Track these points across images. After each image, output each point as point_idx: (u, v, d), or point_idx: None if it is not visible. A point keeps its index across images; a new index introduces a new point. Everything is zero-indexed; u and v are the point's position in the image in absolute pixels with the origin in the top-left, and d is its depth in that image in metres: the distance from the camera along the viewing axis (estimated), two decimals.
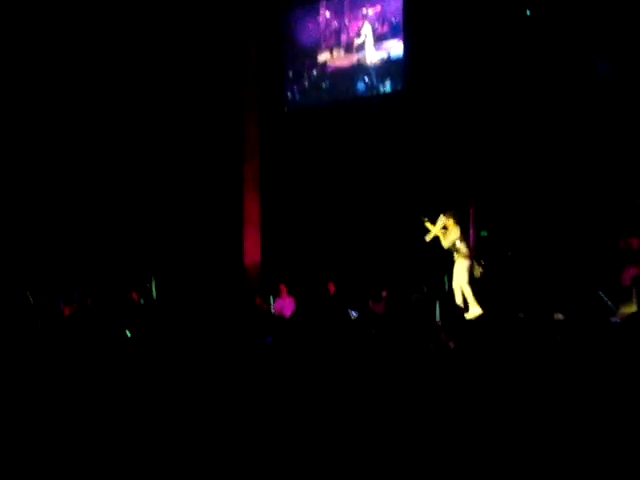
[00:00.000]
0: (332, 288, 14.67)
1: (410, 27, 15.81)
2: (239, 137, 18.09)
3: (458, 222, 12.55)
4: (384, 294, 13.18)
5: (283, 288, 14.97)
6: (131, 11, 17.58)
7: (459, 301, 12.25)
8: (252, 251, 17.86)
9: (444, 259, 12.73)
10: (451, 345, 6.62)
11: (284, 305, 14.45)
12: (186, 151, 18.08)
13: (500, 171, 14.65)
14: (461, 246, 12.42)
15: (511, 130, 14.47)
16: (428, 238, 12.57)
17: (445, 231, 12.50)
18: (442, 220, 12.53)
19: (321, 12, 17.41)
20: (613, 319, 10.04)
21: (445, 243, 12.44)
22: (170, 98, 17.96)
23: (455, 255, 12.47)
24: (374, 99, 16.69)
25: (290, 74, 18.01)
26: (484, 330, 6.46)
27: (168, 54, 17.87)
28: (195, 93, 17.95)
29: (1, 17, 16.96)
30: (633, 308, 11.53)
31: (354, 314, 10.34)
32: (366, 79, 16.70)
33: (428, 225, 12.59)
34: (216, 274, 16.73)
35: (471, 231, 13.74)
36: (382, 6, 16.32)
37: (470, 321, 10.29)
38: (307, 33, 17.64)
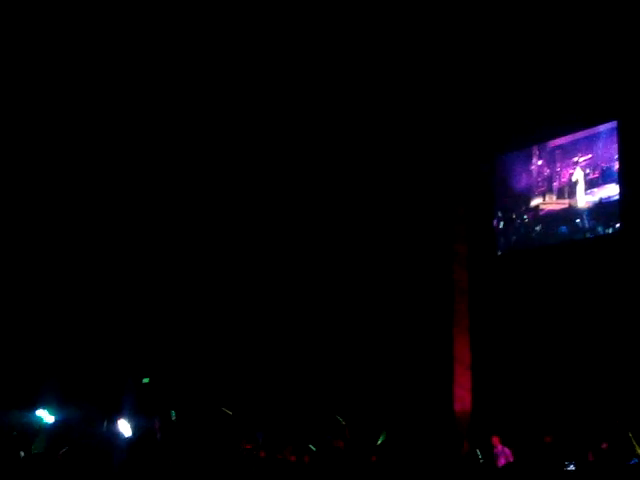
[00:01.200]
0: (548, 440, 14.04)
1: (626, 171, 15.69)
2: (449, 279, 18.12)
3: None
4: (604, 446, 12.52)
5: (496, 440, 14.33)
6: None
7: None
8: (463, 396, 17.53)
9: None
10: None
11: (500, 456, 13.87)
12: (398, 293, 18.27)
13: None
14: None
15: None
16: None
17: None
18: None
19: (533, 159, 17.80)
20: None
21: None
22: (383, 235, 18.37)
23: None
24: (586, 242, 16.53)
25: (500, 218, 18.16)
26: None
27: (381, 194, 18.38)
28: (408, 233, 18.28)
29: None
30: None
31: (572, 467, 9.92)
32: (578, 222, 16.70)
33: None
34: (426, 419, 16.52)
35: None
36: (593, 154, 16.56)
37: None
38: (519, 178, 18.00)
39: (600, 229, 16.31)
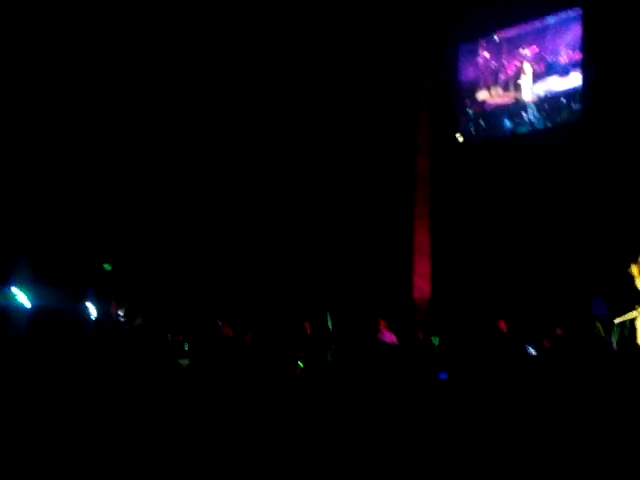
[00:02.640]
0: (504, 326, 14.28)
1: (589, 60, 15.72)
2: (410, 167, 18.07)
3: None
4: (559, 332, 12.74)
5: (382, 323, 14.46)
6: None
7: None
8: (422, 284, 17.70)
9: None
10: None
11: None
12: (357, 180, 18.18)
13: None
14: None
15: None
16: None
17: None
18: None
19: (480, 52, 17.89)
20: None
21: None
22: (344, 127, 18.17)
23: None
24: (535, 134, 16.68)
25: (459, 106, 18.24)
26: None
27: (345, 83, 18.13)
28: (369, 121, 18.11)
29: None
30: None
31: (532, 351, 10.08)
32: (525, 115, 16.86)
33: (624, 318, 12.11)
34: (384, 306, 16.66)
35: None
36: (540, 47, 16.68)
37: None
38: (466, 71, 18.17)
39: (548, 122, 16.53)
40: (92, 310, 12.64)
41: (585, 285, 14.56)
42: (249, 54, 18.37)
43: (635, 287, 11.99)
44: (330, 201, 18.39)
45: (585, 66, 15.87)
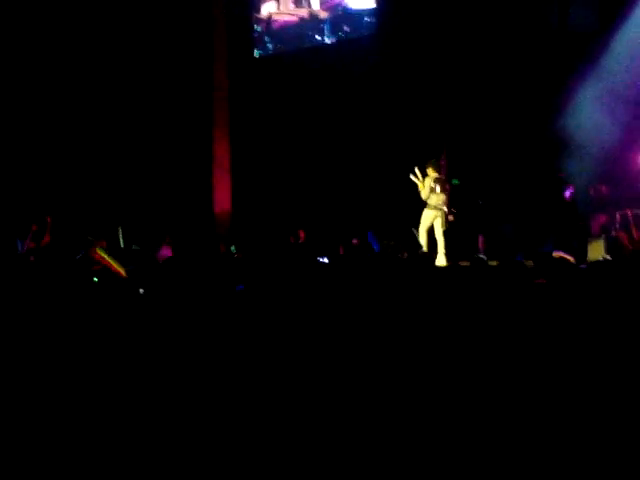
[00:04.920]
0: (302, 235, 14.64)
1: None
2: (209, 83, 17.90)
3: (438, 172, 12.72)
4: (355, 241, 13.16)
5: (167, 238, 14.60)
6: None
7: (424, 247, 12.41)
8: (222, 198, 17.75)
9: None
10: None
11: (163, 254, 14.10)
12: (155, 96, 17.82)
13: (472, 120, 14.64)
14: (436, 196, 12.57)
15: (483, 79, 14.44)
16: (424, 196, 12.65)
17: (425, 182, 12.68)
18: (428, 173, 12.69)
19: None
20: (581, 265, 10.12)
21: (424, 194, 12.61)
22: (139, 44, 17.68)
23: (429, 204, 12.61)
24: (340, 46, 16.79)
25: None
26: (454, 276, 6.47)
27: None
28: (164, 39, 17.68)
29: None
30: (601, 254, 11.60)
31: (325, 260, 10.32)
32: (318, 30, 16.95)
33: (415, 179, 12.69)
34: (185, 220, 16.62)
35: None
36: None
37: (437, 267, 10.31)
38: None
39: (340, 36, 16.70)
40: None
41: (381, 198, 15.06)
42: None
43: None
44: (130, 117, 17.95)
45: None
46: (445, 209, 12.54)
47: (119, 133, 17.82)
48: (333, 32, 16.80)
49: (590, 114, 13.12)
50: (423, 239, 12.65)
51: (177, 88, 17.79)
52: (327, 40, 16.91)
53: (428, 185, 12.63)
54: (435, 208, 12.58)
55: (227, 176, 17.79)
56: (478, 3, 14.35)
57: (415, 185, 12.72)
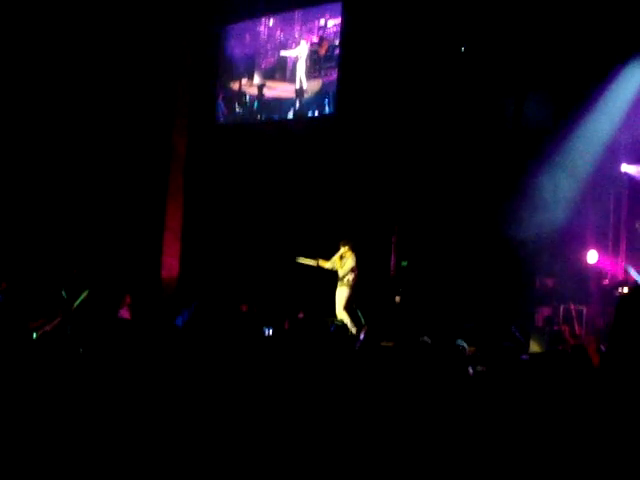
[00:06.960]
0: (244, 308, 14.56)
1: (345, 55, 16.14)
2: (167, 148, 17.95)
3: (354, 251, 13.06)
4: (301, 315, 13.16)
5: (127, 298, 14.59)
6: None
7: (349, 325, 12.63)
8: (171, 263, 17.68)
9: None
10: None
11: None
12: (112, 155, 17.83)
13: (422, 201, 14.82)
14: (350, 276, 12.77)
15: (437, 169, 14.68)
16: (328, 265, 13.20)
17: (342, 260, 13.03)
18: (341, 249, 13.06)
19: (245, 36, 18.01)
20: (523, 356, 10.21)
21: (342, 272, 12.94)
22: (101, 101, 17.74)
23: (340, 282, 13.15)
24: (303, 122, 16.95)
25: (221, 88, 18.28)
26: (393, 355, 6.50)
27: (104, 57, 17.67)
28: (126, 98, 17.76)
29: None
30: (542, 348, 11.71)
31: (269, 331, 10.32)
32: (296, 104, 17.01)
33: (303, 260, 13.51)
34: (133, 283, 16.49)
35: (392, 260, 13.95)
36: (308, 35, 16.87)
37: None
38: (228, 54, 18.22)
39: (316, 112, 16.73)
40: None
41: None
42: None
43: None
44: (85, 179, 17.92)
45: (342, 60, 16.25)
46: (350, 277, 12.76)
47: (73, 194, 17.78)
48: (308, 106, 16.88)
49: (541, 207, 13.32)
50: (347, 318, 12.95)
51: (135, 153, 17.82)
52: (290, 115, 17.08)
53: (336, 259, 13.11)
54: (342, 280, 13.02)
55: (177, 242, 17.76)
56: (433, 95, 14.62)
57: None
